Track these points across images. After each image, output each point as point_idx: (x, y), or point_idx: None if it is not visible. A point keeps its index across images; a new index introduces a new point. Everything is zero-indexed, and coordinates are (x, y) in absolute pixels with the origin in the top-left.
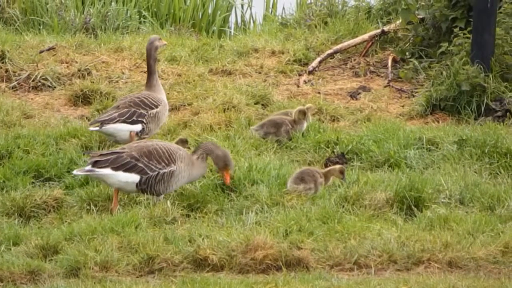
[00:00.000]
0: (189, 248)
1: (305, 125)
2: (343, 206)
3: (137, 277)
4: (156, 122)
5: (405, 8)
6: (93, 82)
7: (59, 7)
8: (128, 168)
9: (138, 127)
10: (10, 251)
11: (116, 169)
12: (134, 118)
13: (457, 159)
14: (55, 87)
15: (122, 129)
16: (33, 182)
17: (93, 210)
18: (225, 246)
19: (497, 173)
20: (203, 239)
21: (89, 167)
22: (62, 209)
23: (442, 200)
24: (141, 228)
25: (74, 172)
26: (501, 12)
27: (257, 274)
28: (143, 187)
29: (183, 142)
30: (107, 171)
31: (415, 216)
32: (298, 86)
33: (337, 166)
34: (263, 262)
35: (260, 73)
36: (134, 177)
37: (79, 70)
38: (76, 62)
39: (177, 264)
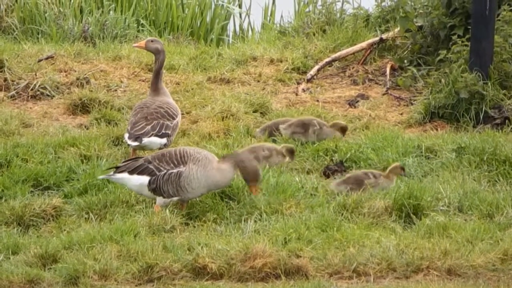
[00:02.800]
0: (188, 257)
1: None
2: (342, 214)
3: (136, 285)
4: (176, 132)
5: (403, 16)
6: (91, 91)
7: (57, 16)
8: (140, 170)
9: (164, 141)
10: (9, 260)
11: (131, 172)
12: (163, 131)
13: (456, 167)
14: (53, 96)
15: (155, 141)
16: (32, 191)
17: (92, 218)
18: (224, 254)
19: (496, 181)
20: (202, 247)
21: (111, 173)
22: (61, 217)
23: (441, 208)
24: (140, 236)
25: (99, 177)
26: (499, 20)
27: (256, 283)
28: (152, 187)
29: (290, 152)
30: (123, 175)
31: (414, 224)
32: (296, 94)
33: (397, 164)
34: (262, 270)
35: (258, 81)
36: (144, 179)
37: (77, 79)
38: (75, 71)
39: (176, 273)
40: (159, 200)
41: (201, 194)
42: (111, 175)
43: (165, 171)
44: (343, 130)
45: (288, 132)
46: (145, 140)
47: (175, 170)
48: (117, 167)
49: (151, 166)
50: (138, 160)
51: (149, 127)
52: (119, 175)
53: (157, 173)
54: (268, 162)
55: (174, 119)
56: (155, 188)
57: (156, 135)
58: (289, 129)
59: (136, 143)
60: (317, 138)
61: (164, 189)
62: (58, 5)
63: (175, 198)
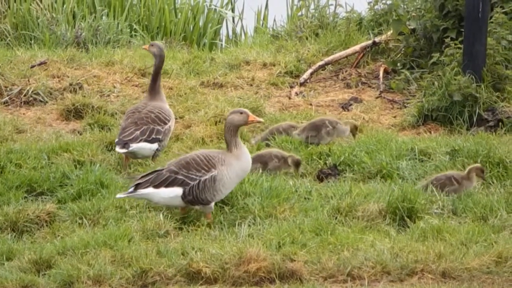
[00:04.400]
0: (182, 261)
1: (347, 133)
2: (336, 218)
3: None
4: (168, 136)
5: (396, 19)
6: (84, 96)
7: (50, 21)
8: (169, 183)
9: (155, 146)
10: (3, 266)
11: (157, 186)
12: (153, 136)
13: (450, 170)
14: (47, 102)
15: (145, 147)
16: (25, 197)
17: (85, 224)
18: (218, 258)
19: (490, 183)
20: (196, 252)
21: (131, 189)
22: (55, 223)
23: (435, 210)
24: (134, 241)
25: (118, 195)
26: (492, 22)
27: (251, 287)
28: (188, 198)
29: (296, 163)
30: (149, 190)
31: (408, 227)
32: (289, 98)
33: (477, 165)
34: (256, 274)
35: (251, 85)
36: (177, 191)
37: (70, 85)
38: (68, 77)
39: (170, 278)
40: (205, 209)
41: (231, 189)
42: (132, 193)
43: (198, 179)
44: (355, 128)
45: (302, 137)
46: (134, 146)
47: (208, 176)
48: (136, 184)
49: (180, 177)
50: (161, 173)
51: (138, 132)
52: (144, 191)
53: (190, 182)
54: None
55: (165, 124)
56: (192, 199)
57: (146, 141)
58: (303, 134)
59: (123, 150)
60: (332, 137)
61: (202, 197)
62: (51, 11)
63: (213, 203)
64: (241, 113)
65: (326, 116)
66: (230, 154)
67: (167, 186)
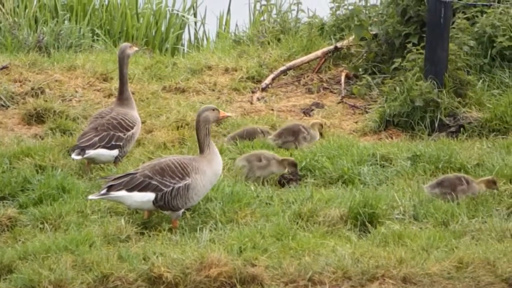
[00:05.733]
0: (144, 266)
1: (317, 138)
2: (297, 223)
3: None
4: (131, 143)
5: (358, 24)
6: (46, 101)
7: (12, 26)
8: (142, 187)
9: (115, 152)
10: None
11: (130, 190)
12: (113, 142)
13: (411, 175)
14: (8, 106)
15: (103, 153)
16: None
17: (47, 228)
18: (179, 263)
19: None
20: (157, 256)
21: (104, 191)
22: (16, 228)
23: (396, 216)
24: (95, 246)
25: (89, 197)
26: (454, 28)
27: None
28: (160, 203)
29: (292, 166)
30: (122, 193)
31: (369, 232)
32: (251, 103)
33: (489, 177)
34: (218, 279)
35: (213, 90)
36: (149, 195)
37: (32, 89)
38: (30, 81)
39: (132, 282)
40: (173, 214)
41: (205, 194)
42: (105, 195)
43: (172, 186)
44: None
45: (279, 142)
46: (90, 152)
47: (181, 184)
48: (109, 186)
49: (154, 182)
50: (134, 176)
51: (96, 138)
52: (117, 193)
53: (164, 188)
54: (266, 172)
55: (128, 130)
56: (163, 205)
57: (104, 147)
58: (280, 139)
59: (78, 157)
60: (309, 142)
61: (173, 204)
62: (13, 15)
63: (182, 210)
64: (213, 109)
65: (298, 122)
66: (203, 160)
67: (140, 190)
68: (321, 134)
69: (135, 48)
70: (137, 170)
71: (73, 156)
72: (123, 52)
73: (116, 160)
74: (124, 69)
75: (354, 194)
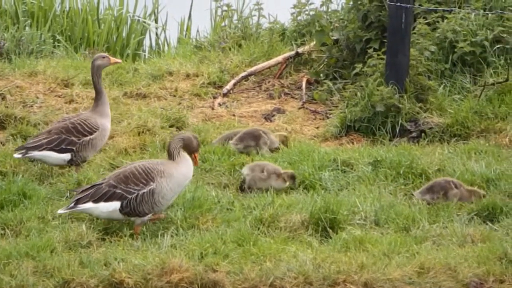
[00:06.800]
0: (105, 272)
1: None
2: (258, 228)
3: None
4: (92, 149)
5: (319, 29)
6: (7, 107)
7: None
8: (108, 197)
9: (66, 156)
10: None
11: (96, 201)
12: (63, 146)
13: (372, 180)
14: None
15: (50, 156)
16: None
17: (8, 234)
18: (140, 269)
19: (412, 194)
20: (118, 262)
21: (72, 205)
22: None
23: (357, 221)
24: (56, 252)
25: (59, 211)
26: (415, 33)
27: None
28: (126, 210)
29: (291, 177)
30: (89, 205)
31: (331, 237)
32: (213, 109)
33: (481, 191)
34: (179, 285)
35: (174, 96)
36: (115, 205)
37: None
38: None
39: None
40: (138, 220)
41: (174, 198)
42: (72, 208)
43: (136, 192)
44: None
45: (241, 147)
46: (34, 153)
47: (146, 190)
48: (77, 199)
49: (118, 191)
50: (100, 187)
51: (45, 141)
52: (84, 206)
53: (128, 196)
54: (265, 184)
55: (85, 135)
56: (129, 212)
57: (52, 150)
58: (241, 144)
59: (19, 156)
60: (269, 147)
61: (139, 210)
62: None
63: (150, 215)
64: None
65: (258, 127)
66: (170, 163)
67: (106, 200)
68: (286, 146)
69: (115, 60)
70: (104, 180)
71: (15, 155)
72: (93, 62)
73: (72, 164)
74: (94, 78)
75: (315, 200)
